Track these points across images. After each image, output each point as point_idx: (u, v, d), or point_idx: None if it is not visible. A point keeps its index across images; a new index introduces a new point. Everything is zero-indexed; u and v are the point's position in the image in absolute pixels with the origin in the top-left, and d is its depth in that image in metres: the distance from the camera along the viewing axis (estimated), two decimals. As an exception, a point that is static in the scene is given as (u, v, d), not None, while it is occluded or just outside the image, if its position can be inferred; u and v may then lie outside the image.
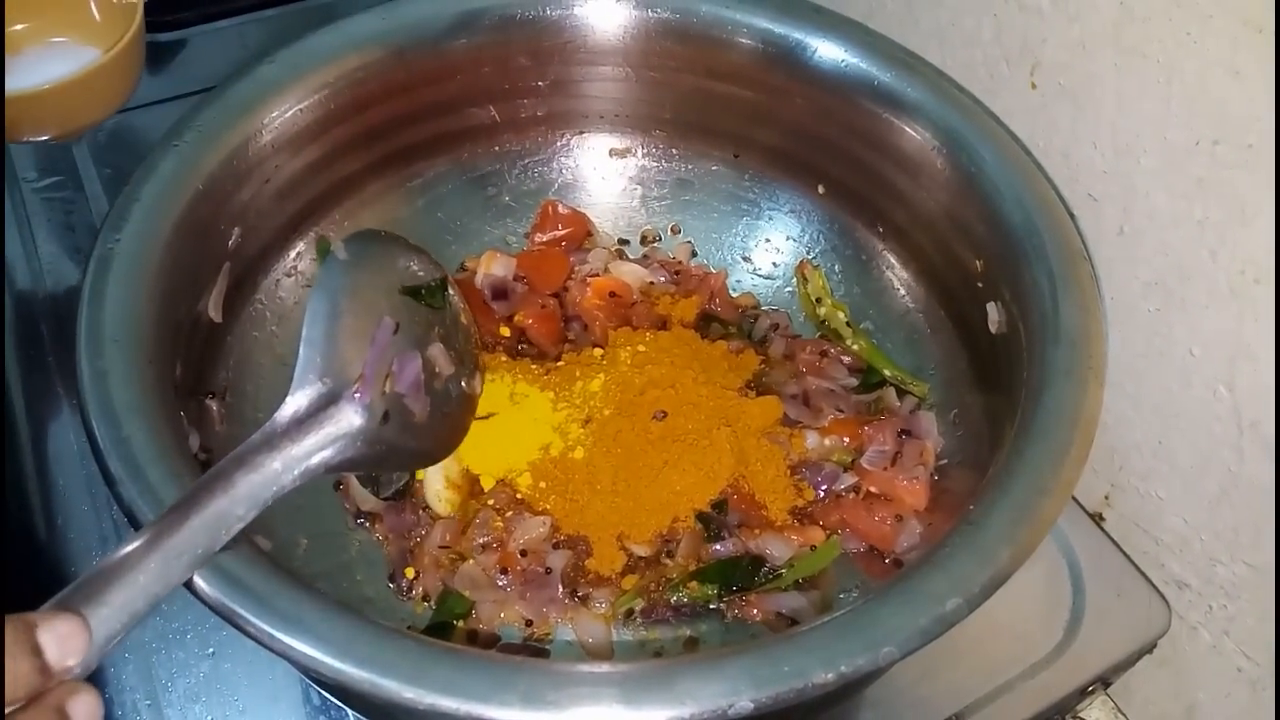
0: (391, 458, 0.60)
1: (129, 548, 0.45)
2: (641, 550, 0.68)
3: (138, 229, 0.62)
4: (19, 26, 0.87)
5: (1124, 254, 0.70)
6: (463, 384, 0.67)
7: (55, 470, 0.76)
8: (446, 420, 0.65)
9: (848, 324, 0.80)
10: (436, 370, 0.64)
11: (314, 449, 0.54)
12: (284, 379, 0.73)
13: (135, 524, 0.50)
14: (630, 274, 0.83)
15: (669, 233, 0.87)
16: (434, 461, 0.67)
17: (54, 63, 0.84)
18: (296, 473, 0.52)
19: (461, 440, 0.68)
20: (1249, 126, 0.59)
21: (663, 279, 0.83)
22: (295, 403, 0.55)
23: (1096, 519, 0.79)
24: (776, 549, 0.68)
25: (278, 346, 0.74)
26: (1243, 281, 0.62)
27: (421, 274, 0.68)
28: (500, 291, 0.80)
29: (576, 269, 0.83)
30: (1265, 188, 0.59)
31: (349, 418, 0.56)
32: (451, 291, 0.70)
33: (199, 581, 0.48)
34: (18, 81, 0.79)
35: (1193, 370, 0.68)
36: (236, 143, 0.69)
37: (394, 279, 0.65)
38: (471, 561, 0.67)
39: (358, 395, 0.57)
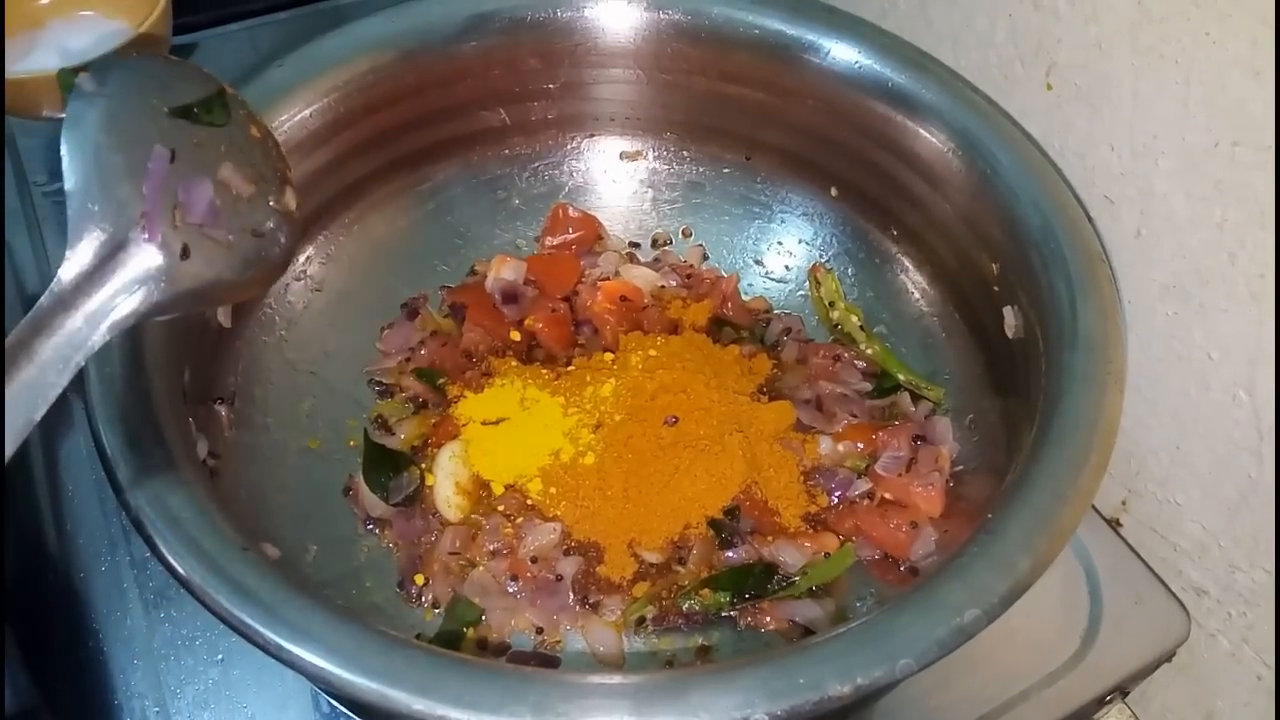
0: (210, 292, 0.56)
1: None
2: (653, 557, 0.68)
3: (146, 233, 0.62)
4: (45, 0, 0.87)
5: (1141, 257, 0.70)
6: (270, 201, 0.61)
7: (65, 475, 0.76)
8: (263, 241, 0.59)
9: (861, 328, 0.79)
10: (235, 193, 0.59)
11: (113, 298, 0.50)
12: (294, 384, 0.74)
13: (142, 531, 0.50)
14: (641, 278, 0.82)
15: (680, 236, 0.87)
16: (263, 286, 0.64)
17: (80, 36, 0.82)
18: (104, 327, 0.49)
19: (289, 261, 0.62)
20: (1269, 127, 0.58)
21: (674, 282, 0.82)
22: (77, 258, 0.50)
23: (1114, 525, 0.78)
24: (790, 556, 0.67)
25: (287, 351, 0.74)
26: (1262, 285, 0.62)
27: (191, 91, 0.60)
28: (510, 295, 0.80)
29: (587, 273, 0.83)
30: (1287, 190, 0.58)
31: (142, 259, 0.51)
32: (235, 105, 0.62)
33: (207, 590, 0.48)
34: (43, 60, 0.78)
35: (1211, 374, 0.67)
36: (245, 146, 0.68)
37: (158, 101, 0.58)
38: (481, 568, 0.67)
39: (145, 234, 0.52)
